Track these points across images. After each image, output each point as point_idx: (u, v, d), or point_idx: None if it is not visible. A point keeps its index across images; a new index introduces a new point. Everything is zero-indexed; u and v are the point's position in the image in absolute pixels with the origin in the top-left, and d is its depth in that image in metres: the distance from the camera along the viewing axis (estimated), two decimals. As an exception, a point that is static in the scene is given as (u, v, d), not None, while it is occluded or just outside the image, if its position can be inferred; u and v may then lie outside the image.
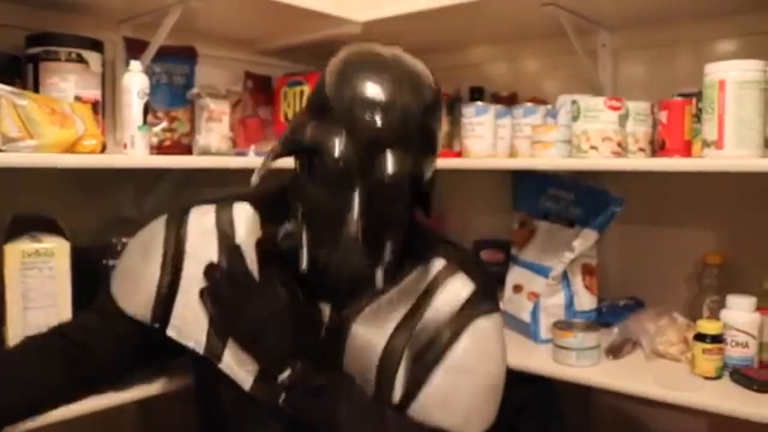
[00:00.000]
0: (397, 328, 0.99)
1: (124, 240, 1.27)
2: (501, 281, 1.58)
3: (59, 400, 1.06)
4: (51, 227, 1.21)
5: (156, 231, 1.07)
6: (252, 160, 1.37)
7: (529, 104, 1.50)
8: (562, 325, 1.34)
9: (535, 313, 1.45)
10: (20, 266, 1.13)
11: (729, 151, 1.15)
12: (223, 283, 1.00)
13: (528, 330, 1.46)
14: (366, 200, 0.88)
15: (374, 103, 0.87)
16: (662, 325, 1.35)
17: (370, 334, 0.99)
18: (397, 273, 1.01)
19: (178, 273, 1.03)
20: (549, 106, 1.48)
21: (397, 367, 0.98)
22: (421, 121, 0.91)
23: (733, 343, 1.24)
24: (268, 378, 0.98)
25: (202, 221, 1.05)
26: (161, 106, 1.50)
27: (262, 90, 1.72)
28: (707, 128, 1.18)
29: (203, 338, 1.01)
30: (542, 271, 1.47)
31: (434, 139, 0.95)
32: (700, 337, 1.23)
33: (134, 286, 1.06)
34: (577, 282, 1.46)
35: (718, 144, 1.16)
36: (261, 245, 1.03)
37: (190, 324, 1.02)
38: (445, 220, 1.84)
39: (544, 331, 1.44)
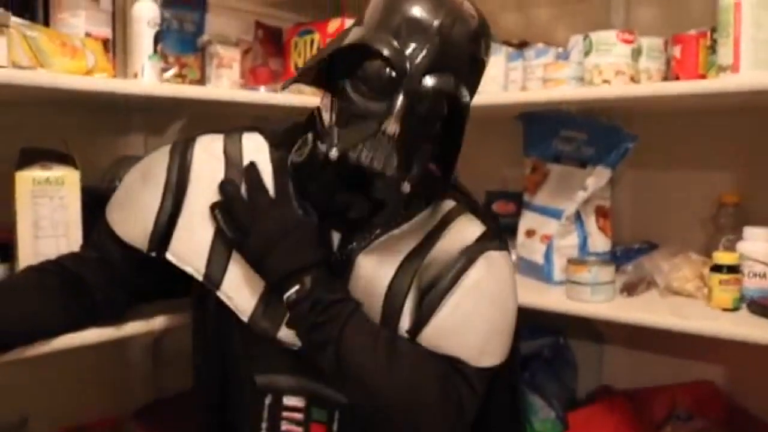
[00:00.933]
0: (405, 261, 0.97)
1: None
2: (513, 232, 1.57)
3: (56, 327, 1.04)
4: (61, 158, 1.20)
5: (159, 158, 1.04)
6: (263, 95, 1.36)
7: (541, 45, 1.48)
8: (576, 261, 1.32)
9: (548, 255, 1.44)
10: (31, 194, 1.13)
11: (745, 73, 1.13)
12: (238, 197, 0.97)
13: (541, 272, 1.45)
14: (406, 106, 0.88)
15: (428, 25, 0.89)
16: (677, 262, 1.34)
17: (377, 266, 0.97)
18: (407, 210, 1.00)
19: (181, 198, 1.00)
20: (560, 49, 1.47)
21: (404, 300, 0.96)
22: (472, 51, 0.93)
23: (751, 274, 1.22)
24: (271, 304, 0.96)
25: (209, 147, 1.03)
26: (171, 52, 1.50)
27: (272, 41, 1.72)
28: (723, 53, 1.17)
29: (203, 265, 0.99)
30: (555, 214, 1.46)
31: (479, 70, 0.97)
32: (717, 269, 1.22)
33: (132, 212, 1.03)
34: (591, 223, 1.45)
35: (734, 68, 1.15)
36: (274, 168, 1.01)
37: (190, 249, 1.00)
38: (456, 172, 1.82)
39: (558, 272, 1.42)
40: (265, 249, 0.94)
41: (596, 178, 1.40)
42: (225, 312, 0.99)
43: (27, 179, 1.13)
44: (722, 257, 1.22)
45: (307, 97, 1.37)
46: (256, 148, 1.03)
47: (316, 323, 0.92)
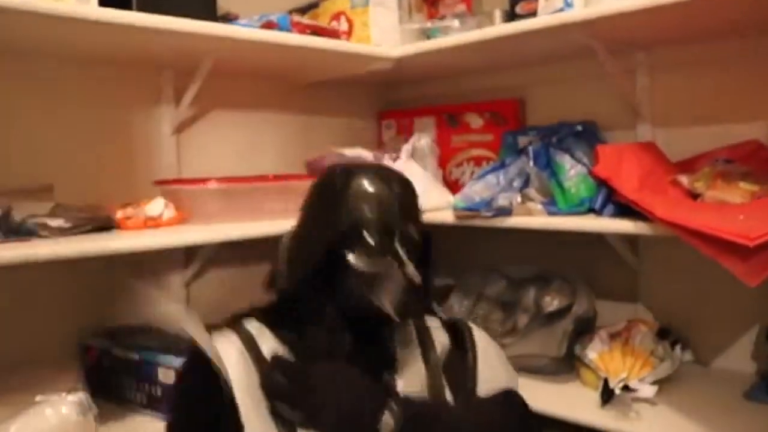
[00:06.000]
0: (424, 362, 1.13)
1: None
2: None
3: None
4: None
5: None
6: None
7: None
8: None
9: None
10: None
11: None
12: (288, 386, 1.02)
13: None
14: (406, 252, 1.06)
15: (381, 194, 1.08)
16: None
17: (410, 376, 1.10)
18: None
19: (234, 412, 1.01)
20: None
21: (443, 388, 1.12)
22: (411, 200, 1.13)
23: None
24: None
25: (230, 349, 1.06)
26: None
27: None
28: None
29: None
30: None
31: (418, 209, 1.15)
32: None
33: None
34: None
35: None
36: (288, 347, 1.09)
37: None
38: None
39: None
40: (340, 412, 0.99)
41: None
42: None
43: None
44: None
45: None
46: (264, 336, 1.08)
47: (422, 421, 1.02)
